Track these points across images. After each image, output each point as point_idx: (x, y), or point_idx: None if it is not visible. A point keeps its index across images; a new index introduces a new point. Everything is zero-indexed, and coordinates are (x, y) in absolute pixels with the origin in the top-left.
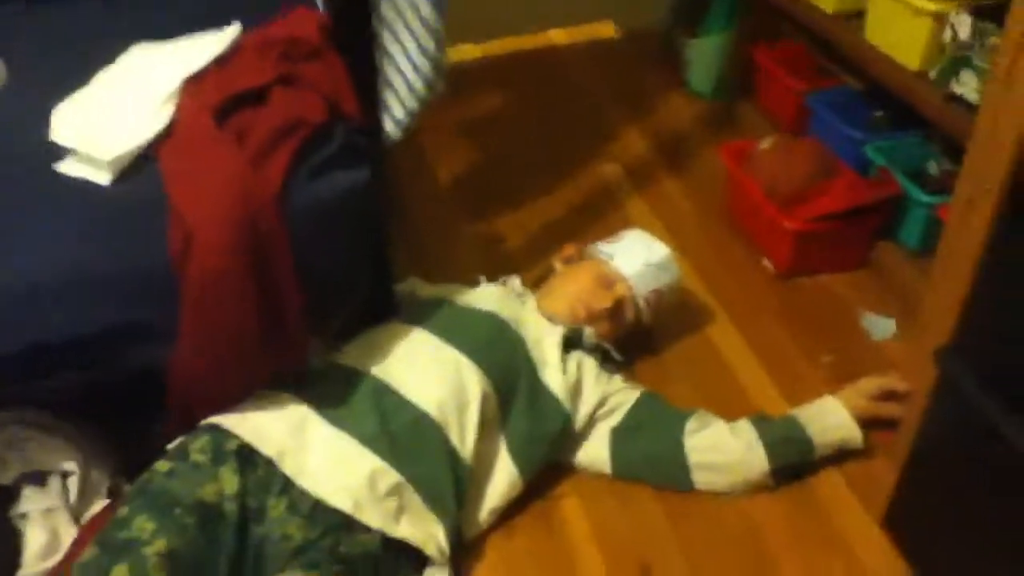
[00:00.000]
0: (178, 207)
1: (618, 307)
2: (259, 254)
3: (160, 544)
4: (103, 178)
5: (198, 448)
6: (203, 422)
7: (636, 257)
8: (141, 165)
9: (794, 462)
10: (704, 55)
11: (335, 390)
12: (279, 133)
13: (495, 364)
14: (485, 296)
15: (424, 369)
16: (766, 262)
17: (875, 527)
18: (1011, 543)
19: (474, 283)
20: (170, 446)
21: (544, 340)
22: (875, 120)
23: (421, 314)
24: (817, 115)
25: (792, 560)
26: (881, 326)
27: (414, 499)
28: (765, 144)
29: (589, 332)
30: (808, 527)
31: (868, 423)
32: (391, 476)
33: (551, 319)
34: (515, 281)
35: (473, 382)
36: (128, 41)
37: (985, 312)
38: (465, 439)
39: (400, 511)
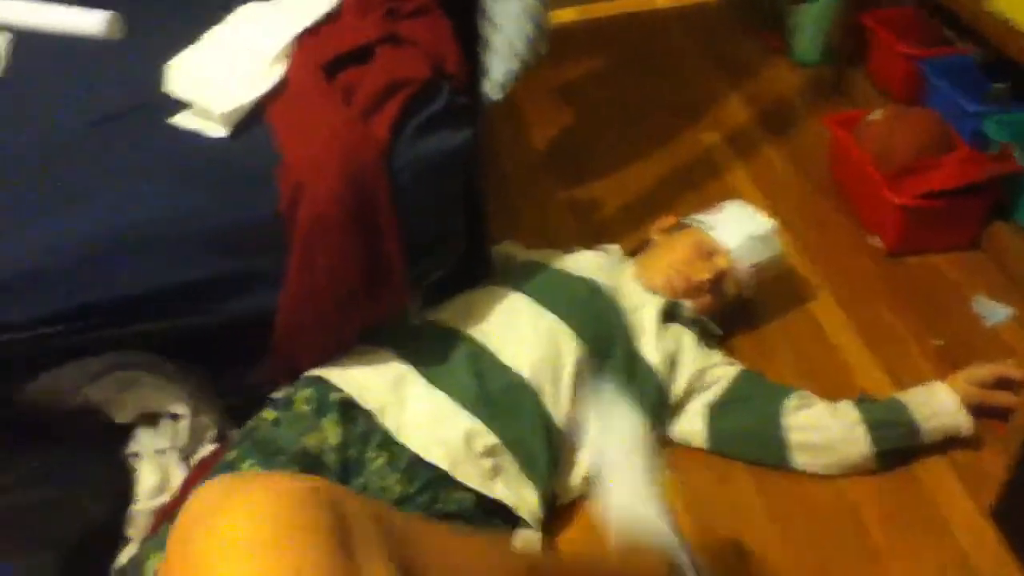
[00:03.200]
0: (288, 159)
1: (718, 279)
2: (364, 206)
3: None
4: (218, 131)
5: (303, 399)
6: (307, 373)
7: (738, 229)
8: (254, 119)
9: (899, 447)
10: (810, 20)
11: (433, 349)
12: (386, 90)
13: (591, 331)
14: (583, 262)
15: (520, 334)
16: (873, 239)
17: (981, 518)
18: None
19: (571, 250)
20: (276, 395)
21: (642, 309)
22: (995, 92)
23: (518, 277)
24: (931, 85)
25: (890, 542)
26: (995, 311)
27: (509, 461)
28: (875, 114)
29: (688, 305)
30: (909, 511)
31: (979, 411)
32: (488, 437)
33: (649, 289)
34: (615, 248)
35: (568, 348)
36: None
37: None
38: (559, 405)
39: (495, 472)
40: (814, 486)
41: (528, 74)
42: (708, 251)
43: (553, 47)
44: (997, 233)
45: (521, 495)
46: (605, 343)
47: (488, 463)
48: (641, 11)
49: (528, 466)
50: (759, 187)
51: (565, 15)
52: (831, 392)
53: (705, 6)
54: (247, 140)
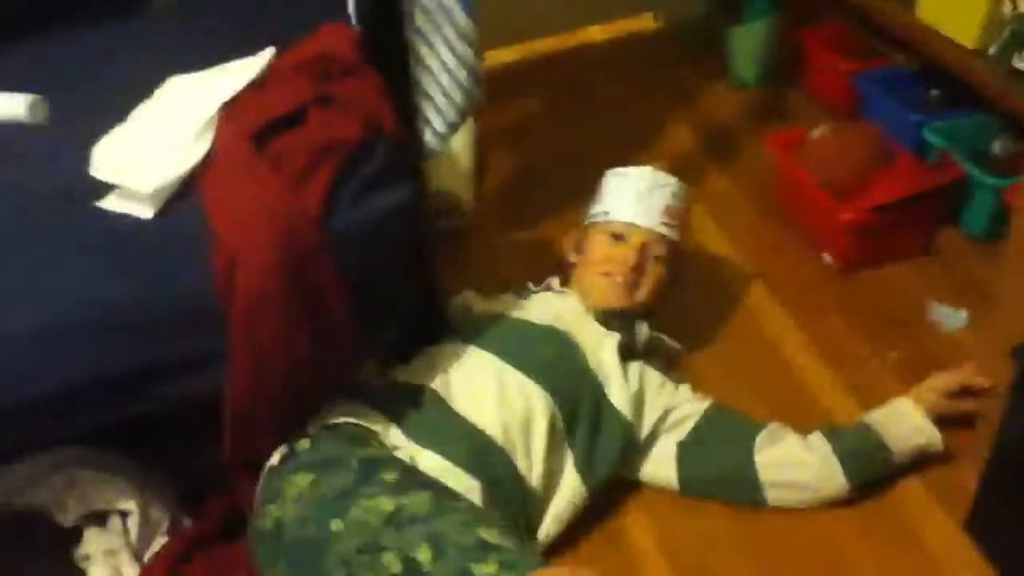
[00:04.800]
0: (220, 234)
1: (644, 253)
2: (304, 276)
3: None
4: (145, 211)
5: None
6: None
7: (626, 196)
8: (183, 196)
9: (875, 475)
10: (747, 42)
11: (409, 409)
12: (317, 155)
13: (560, 383)
14: (540, 307)
15: (488, 394)
16: (826, 256)
17: (958, 531)
18: None
19: (523, 291)
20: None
21: (602, 348)
22: (931, 100)
23: (480, 333)
24: (869, 97)
25: (870, 568)
26: (952, 317)
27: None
28: (817, 132)
29: (640, 330)
30: (886, 533)
31: (946, 421)
32: (475, 496)
33: (599, 312)
34: (555, 282)
35: (539, 406)
36: (164, 74)
37: None
38: (532, 464)
39: None
40: (791, 520)
41: (469, 119)
42: (617, 235)
43: (494, 88)
44: (947, 239)
45: None
46: (574, 392)
47: None
48: (578, 45)
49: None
50: (709, 213)
51: (504, 56)
52: (797, 415)
53: (641, 35)
54: (177, 218)
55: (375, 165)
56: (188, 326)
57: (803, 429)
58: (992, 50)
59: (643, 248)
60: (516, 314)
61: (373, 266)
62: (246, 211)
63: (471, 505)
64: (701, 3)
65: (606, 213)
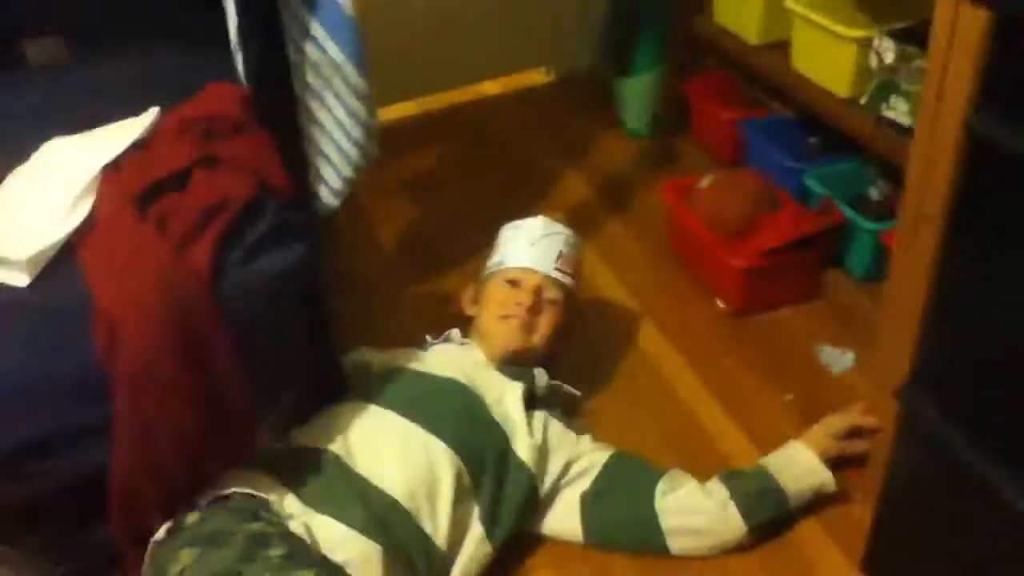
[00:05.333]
0: (101, 303)
1: (539, 295)
2: (192, 344)
3: None
4: (20, 279)
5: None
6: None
7: (520, 244)
8: (61, 263)
9: (771, 517)
10: (636, 93)
11: (305, 474)
12: (203, 216)
13: (464, 436)
14: (441, 360)
15: (390, 453)
16: (718, 301)
17: (854, 570)
18: None
19: (423, 343)
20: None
21: (505, 399)
22: (811, 147)
23: (380, 390)
24: (752, 145)
25: None
26: (839, 358)
27: None
28: (705, 181)
29: (540, 377)
30: None
31: (841, 462)
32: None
33: (500, 361)
34: (455, 334)
35: (444, 461)
36: (44, 136)
37: (942, 341)
38: (438, 523)
39: None
40: (693, 565)
41: (367, 174)
42: (512, 281)
43: (394, 141)
44: (834, 282)
45: None
46: (478, 447)
47: None
48: (475, 99)
49: None
50: (606, 261)
51: (404, 110)
52: (696, 460)
53: (535, 88)
54: (55, 285)
55: (266, 224)
56: (69, 399)
57: (703, 474)
58: (863, 100)
59: (538, 290)
60: (416, 367)
61: (267, 329)
62: (129, 277)
63: None
64: (591, 56)
65: (501, 262)
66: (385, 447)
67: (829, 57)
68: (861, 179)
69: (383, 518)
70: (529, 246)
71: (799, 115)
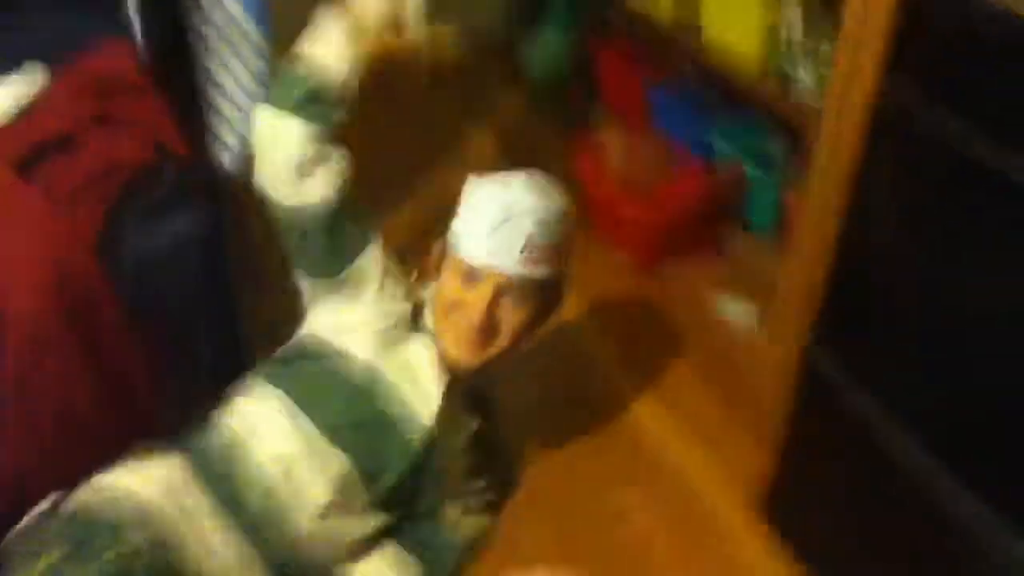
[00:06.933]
0: None
1: (493, 308)
2: (82, 316)
3: None
4: None
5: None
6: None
7: (476, 229)
8: None
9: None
10: (545, 54)
11: (212, 453)
12: (94, 180)
13: (359, 447)
14: (365, 341)
15: (272, 444)
16: (624, 256)
17: (755, 515)
18: (886, 533)
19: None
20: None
21: (456, 436)
22: (716, 108)
23: (283, 373)
24: (659, 107)
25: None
26: (737, 309)
27: None
28: (612, 140)
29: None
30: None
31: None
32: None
33: (453, 369)
34: (425, 313)
35: (325, 467)
36: None
37: (844, 302)
38: (300, 515)
39: None
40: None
41: None
42: (466, 274)
43: None
44: (736, 239)
45: None
46: (378, 460)
47: None
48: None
49: None
50: None
51: None
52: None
53: None
54: None
55: (163, 188)
56: None
57: (589, 408)
58: (770, 63)
59: (493, 300)
60: (337, 346)
61: (165, 300)
62: (11, 241)
63: None
64: (500, 17)
65: (456, 244)
66: (266, 434)
67: (737, 20)
68: (764, 138)
69: (263, 514)
70: (487, 235)
71: (706, 77)
